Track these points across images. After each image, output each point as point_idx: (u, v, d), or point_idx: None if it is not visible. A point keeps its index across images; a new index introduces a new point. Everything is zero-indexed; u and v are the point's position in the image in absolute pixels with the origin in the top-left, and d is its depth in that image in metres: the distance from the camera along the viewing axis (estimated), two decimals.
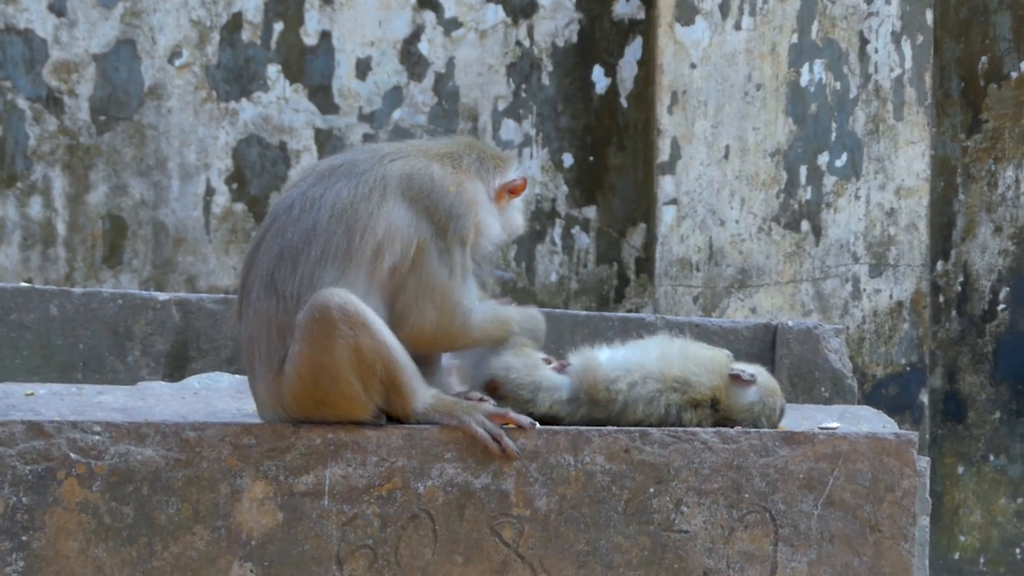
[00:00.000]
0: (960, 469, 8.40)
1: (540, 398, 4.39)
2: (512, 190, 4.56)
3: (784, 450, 4.35)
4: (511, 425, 4.26)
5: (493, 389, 4.40)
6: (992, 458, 8.39)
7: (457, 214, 4.33)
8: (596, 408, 4.39)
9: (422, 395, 4.26)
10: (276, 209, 4.36)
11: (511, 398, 4.38)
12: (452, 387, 4.56)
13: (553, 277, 8.14)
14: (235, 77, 7.90)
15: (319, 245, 4.22)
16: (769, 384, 4.53)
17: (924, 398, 8.19)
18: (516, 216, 4.61)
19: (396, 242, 4.26)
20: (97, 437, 4.15)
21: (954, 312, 8.46)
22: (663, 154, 8.00)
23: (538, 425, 4.28)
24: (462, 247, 4.34)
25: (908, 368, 8.17)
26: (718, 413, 4.44)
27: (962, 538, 8.38)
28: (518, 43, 8.13)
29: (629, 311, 8.02)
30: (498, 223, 4.52)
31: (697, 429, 4.35)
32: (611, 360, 4.46)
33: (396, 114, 8.02)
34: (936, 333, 8.41)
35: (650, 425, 4.37)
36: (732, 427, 4.41)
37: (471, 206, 4.38)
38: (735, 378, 4.47)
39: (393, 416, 4.27)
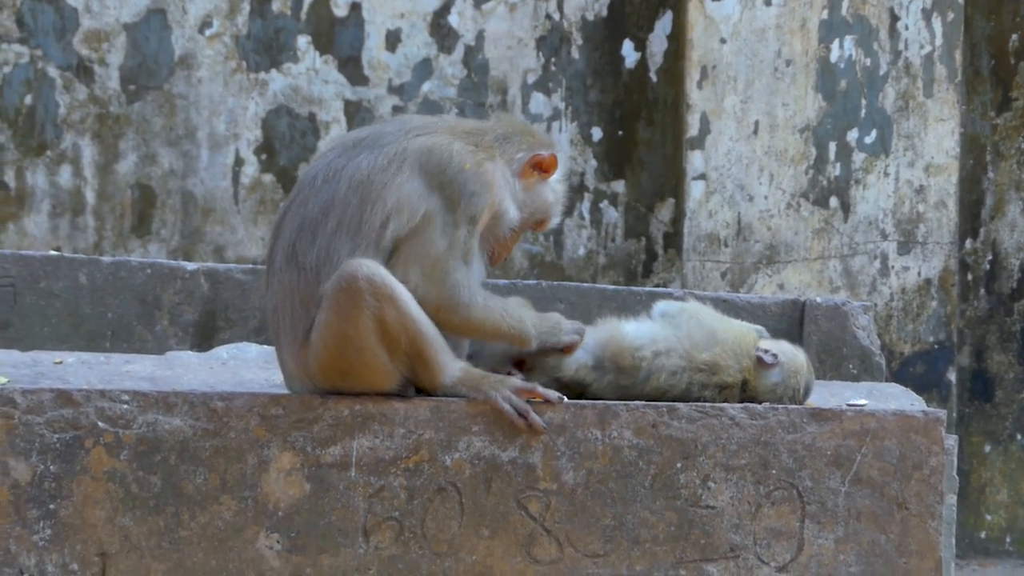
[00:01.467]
0: (987, 448, 8.38)
1: (566, 363, 4.38)
2: (538, 164, 4.44)
3: (812, 427, 4.34)
4: (539, 400, 4.25)
5: (520, 362, 4.39)
6: (1019, 437, 8.37)
7: (471, 192, 4.25)
8: (622, 375, 4.38)
9: (450, 368, 4.25)
10: (302, 180, 4.35)
11: (538, 366, 4.37)
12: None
13: (581, 251, 8.12)
14: (265, 47, 7.89)
15: (335, 216, 4.19)
16: (793, 364, 4.50)
17: (952, 376, 8.17)
18: (545, 196, 4.48)
19: (404, 213, 4.19)
20: (125, 406, 4.16)
21: (982, 290, 8.44)
22: (692, 129, 7.98)
23: (566, 400, 4.27)
24: (470, 225, 4.26)
25: (936, 346, 8.14)
26: (745, 393, 4.44)
27: (989, 517, 8.36)
28: (548, 16, 8.11)
29: (657, 286, 8.01)
30: (520, 204, 4.41)
31: (725, 405, 4.34)
32: (637, 330, 4.45)
33: (425, 86, 8.01)
34: (964, 311, 8.39)
35: (672, 397, 4.36)
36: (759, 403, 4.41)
37: (489, 187, 4.29)
38: (759, 359, 4.46)
39: (421, 388, 4.27)
